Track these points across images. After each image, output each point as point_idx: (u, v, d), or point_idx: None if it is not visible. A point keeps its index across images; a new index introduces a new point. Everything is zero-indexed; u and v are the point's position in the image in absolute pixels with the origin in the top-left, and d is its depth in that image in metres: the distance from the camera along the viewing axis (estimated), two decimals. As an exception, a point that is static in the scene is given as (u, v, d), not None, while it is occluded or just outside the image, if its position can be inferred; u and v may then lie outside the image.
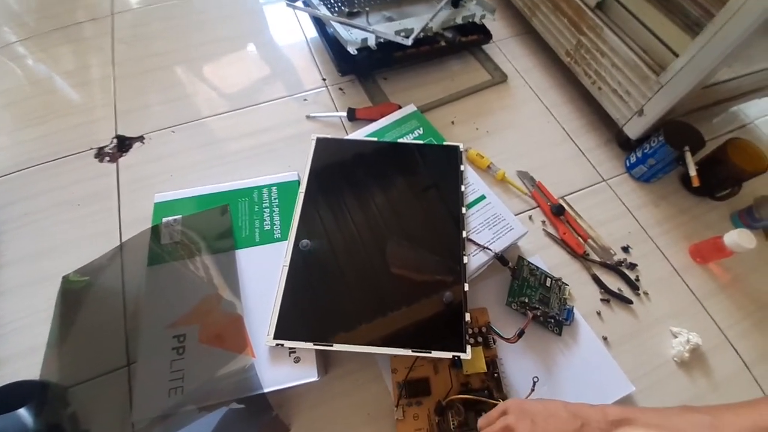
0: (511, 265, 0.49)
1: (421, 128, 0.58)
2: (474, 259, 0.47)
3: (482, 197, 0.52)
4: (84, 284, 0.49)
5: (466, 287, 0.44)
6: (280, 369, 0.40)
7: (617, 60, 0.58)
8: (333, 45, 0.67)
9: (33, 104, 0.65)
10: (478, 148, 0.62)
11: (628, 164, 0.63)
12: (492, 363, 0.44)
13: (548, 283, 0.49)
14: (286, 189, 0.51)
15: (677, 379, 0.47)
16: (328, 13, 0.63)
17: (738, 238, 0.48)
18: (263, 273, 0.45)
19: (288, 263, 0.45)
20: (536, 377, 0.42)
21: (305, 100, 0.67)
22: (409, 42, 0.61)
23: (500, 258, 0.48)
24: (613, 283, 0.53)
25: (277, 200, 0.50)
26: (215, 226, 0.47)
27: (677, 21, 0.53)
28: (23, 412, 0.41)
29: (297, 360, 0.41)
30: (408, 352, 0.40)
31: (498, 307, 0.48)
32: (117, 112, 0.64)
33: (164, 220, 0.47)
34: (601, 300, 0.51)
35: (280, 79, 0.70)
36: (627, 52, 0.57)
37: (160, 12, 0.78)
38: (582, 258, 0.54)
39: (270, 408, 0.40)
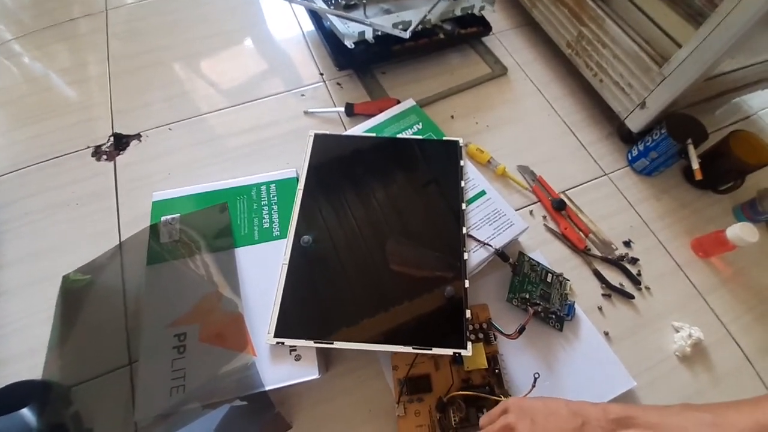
0: (511, 261, 0.49)
1: (420, 123, 0.57)
2: (474, 256, 0.47)
3: (482, 192, 0.51)
4: (84, 283, 0.49)
5: (467, 284, 0.44)
6: (281, 367, 0.40)
7: (619, 51, 0.58)
8: (330, 39, 0.66)
9: (29, 103, 0.64)
10: (478, 142, 0.61)
11: (629, 158, 0.62)
12: (493, 359, 0.44)
13: (549, 279, 0.49)
14: (285, 186, 0.50)
15: (679, 374, 0.47)
16: (324, 6, 0.62)
17: (741, 231, 0.48)
18: (263, 271, 0.45)
19: (287, 261, 0.44)
20: (537, 373, 0.42)
21: (303, 95, 0.66)
22: (407, 35, 0.60)
23: (501, 254, 0.48)
24: (615, 277, 0.52)
25: (275, 198, 0.49)
26: (214, 224, 0.47)
27: (680, 11, 0.52)
28: (26, 412, 0.41)
29: (298, 358, 0.41)
30: (409, 349, 0.40)
31: (499, 303, 0.48)
32: (113, 110, 0.64)
33: (163, 218, 0.47)
34: (603, 295, 0.51)
35: (277, 74, 0.69)
36: (629, 43, 0.56)
37: (154, 7, 0.77)
38: (583, 253, 0.54)
39: (272, 405, 0.40)
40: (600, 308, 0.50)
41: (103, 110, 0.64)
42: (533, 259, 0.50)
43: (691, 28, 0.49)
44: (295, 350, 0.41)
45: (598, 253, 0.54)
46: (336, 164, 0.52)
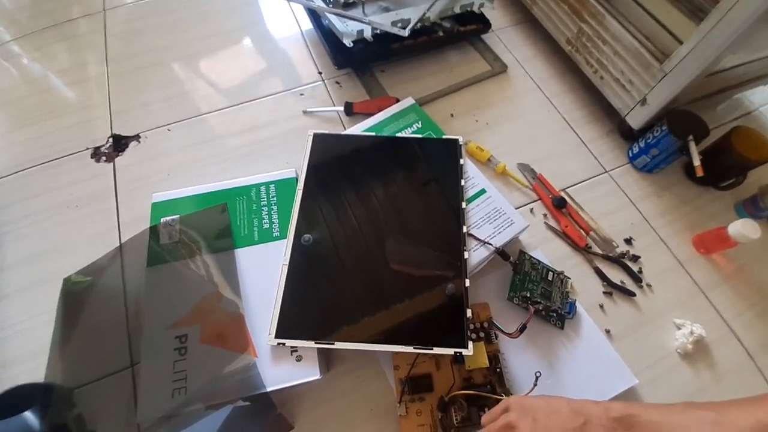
0: (512, 259, 0.48)
1: (420, 122, 0.57)
2: (475, 255, 0.47)
3: (482, 191, 0.51)
4: (85, 285, 0.50)
5: (467, 283, 0.44)
6: (282, 368, 0.40)
7: (619, 48, 0.57)
8: (328, 37, 0.66)
9: (28, 104, 0.64)
10: (477, 140, 0.61)
11: (630, 155, 0.62)
12: (494, 358, 0.44)
13: (550, 277, 0.49)
14: (284, 186, 0.50)
15: (681, 371, 0.47)
16: (322, 4, 0.62)
17: (742, 228, 0.48)
18: (263, 271, 0.45)
19: (288, 261, 0.44)
20: (539, 372, 0.42)
21: (302, 94, 0.66)
22: (406, 33, 0.59)
23: (501, 253, 0.47)
24: (616, 275, 0.52)
25: (275, 198, 0.49)
26: (214, 225, 0.47)
27: (681, 7, 0.52)
28: (29, 415, 0.41)
29: (299, 359, 0.41)
30: (410, 349, 0.40)
31: (500, 301, 0.48)
32: (112, 111, 0.64)
33: (162, 220, 0.47)
34: (604, 293, 0.51)
35: (276, 73, 0.69)
36: (630, 39, 0.55)
37: (153, 6, 0.77)
38: (584, 251, 0.53)
39: (273, 406, 0.40)
40: (601, 306, 0.50)
41: (102, 111, 0.63)
42: (534, 258, 0.50)
43: (693, 24, 0.49)
44: (296, 351, 0.41)
45: (599, 251, 0.54)
46: (335, 164, 0.52)
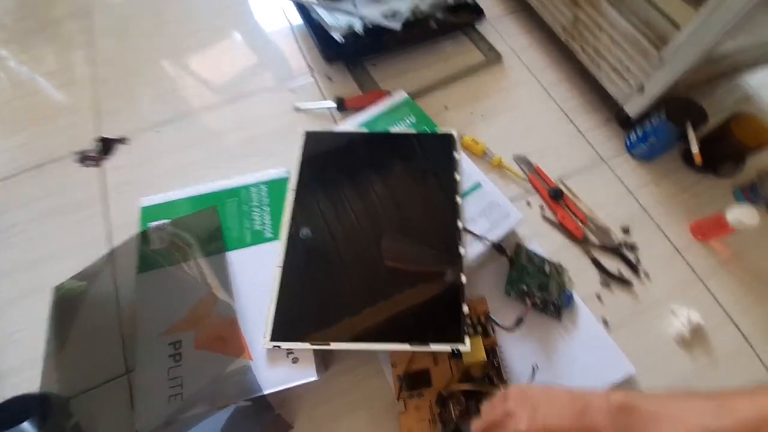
0: (508, 253, 0.48)
1: (413, 116, 0.56)
2: (471, 250, 0.46)
3: (478, 185, 0.50)
4: (77, 293, 0.49)
5: (464, 279, 0.43)
6: (279, 370, 0.40)
7: (616, 35, 0.56)
8: (318, 31, 0.65)
9: (15, 107, 0.63)
10: (472, 133, 0.60)
11: (628, 143, 0.61)
12: (492, 351, 0.44)
13: (547, 269, 0.48)
14: (276, 187, 0.49)
15: (678, 358, 0.47)
16: (311, -2, 0.61)
17: (741, 214, 0.47)
18: (256, 274, 0.44)
19: (281, 264, 0.44)
20: (536, 364, 0.42)
21: (292, 90, 0.65)
22: (398, 26, 0.58)
23: (497, 247, 0.47)
24: (613, 265, 0.52)
25: (267, 199, 0.48)
26: (204, 229, 0.46)
27: (678, -10, 0.50)
28: (27, 426, 0.41)
29: (295, 360, 0.41)
30: (406, 346, 0.40)
31: (497, 294, 0.48)
32: (99, 113, 0.62)
33: (152, 225, 0.46)
34: (601, 283, 0.51)
35: (265, 69, 0.68)
36: (626, 26, 0.54)
37: (140, 4, 0.75)
38: (581, 242, 0.53)
39: (271, 408, 0.40)
40: (599, 296, 0.50)
41: (89, 114, 0.62)
42: (530, 250, 0.50)
43: (691, 9, 0.48)
44: (292, 353, 0.41)
45: (597, 241, 0.53)
46: (328, 162, 0.51)
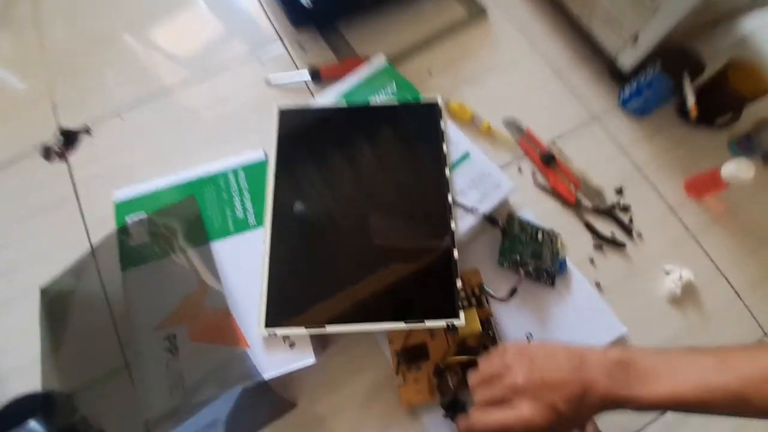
0: (501, 223, 0.47)
1: (394, 83, 0.53)
2: (462, 223, 0.45)
3: (467, 155, 0.48)
4: (65, 292, 0.48)
5: (456, 254, 0.42)
6: (276, 355, 0.40)
7: (608, -22, 0.52)
8: (283, -6, 0.59)
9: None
10: (459, 98, 0.57)
11: (621, 98, 0.58)
12: (486, 321, 0.44)
13: (540, 237, 0.48)
14: (254, 171, 0.47)
15: (669, 317, 0.47)
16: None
17: (736, 169, 0.46)
18: (244, 262, 0.43)
19: (269, 250, 0.43)
20: (529, 333, 0.43)
21: (262, 63, 0.60)
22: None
23: (489, 218, 0.46)
24: (607, 227, 0.51)
25: (246, 185, 0.46)
26: (184, 220, 0.44)
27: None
28: (33, 424, 0.41)
29: (292, 345, 0.41)
30: (401, 324, 0.40)
31: (490, 264, 0.47)
32: (57, 102, 0.58)
33: (128, 220, 0.44)
34: (594, 246, 0.50)
35: (231, 40, 0.62)
36: (619, -33, 0.50)
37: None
38: (574, 206, 0.52)
39: (272, 391, 0.41)
40: (591, 260, 0.50)
41: (46, 103, 0.58)
42: (523, 219, 0.49)
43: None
44: (288, 338, 0.41)
45: (590, 205, 0.52)
46: (307, 140, 0.48)
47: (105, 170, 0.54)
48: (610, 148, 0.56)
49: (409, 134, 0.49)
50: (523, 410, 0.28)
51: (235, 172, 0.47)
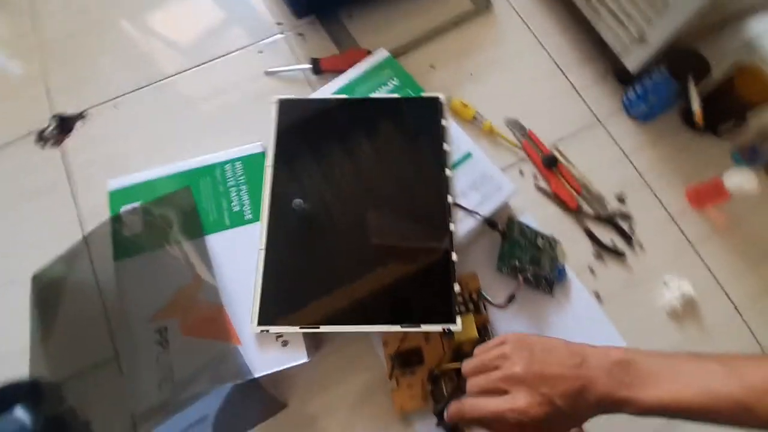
0: (500, 227, 0.46)
1: (397, 78, 0.51)
2: (462, 226, 0.44)
3: (468, 155, 0.47)
4: (56, 280, 0.47)
5: (454, 257, 0.42)
6: (269, 353, 0.40)
7: (619, -24, 0.50)
8: (286, -19, 0.57)
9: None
10: (461, 95, 0.56)
11: (626, 103, 0.57)
12: (483, 328, 0.43)
13: (539, 243, 0.47)
14: (252, 163, 0.46)
15: (669, 331, 0.47)
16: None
17: (740, 181, 0.45)
18: (239, 257, 0.42)
19: (264, 246, 0.42)
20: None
21: (260, 52, 0.59)
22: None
23: (489, 222, 0.45)
24: (607, 235, 0.51)
25: (243, 177, 0.45)
26: (179, 212, 0.43)
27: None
28: (19, 411, 0.41)
29: (285, 343, 0.40)
30: (397, 328, 0.39)
31: (489, 269, 0.47)
32: (52, 87, 0.56)
33: (123, 210, 0.43)
34: (594, 255, 0.50)
35: (230, 28, 0.60)
36: (631, -34, 0.48)
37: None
38: (575, 212, 0.51)
39: (263, 389, 0.40)
40: (591, 269, 0.49)
41: (41, 88, 0.56)
42: (523, 223, 0.48)
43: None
44: (281, 336, 0.40)
45: (591, 211, 0.52)
46: (306, 134, 0.47)
47: (99, 157, 0.53)
48: (612, 153, 0.55)
49: (410, 131, 0.48)
50: (519, 400, 0.27)
51: (232, 163, 0.46)
